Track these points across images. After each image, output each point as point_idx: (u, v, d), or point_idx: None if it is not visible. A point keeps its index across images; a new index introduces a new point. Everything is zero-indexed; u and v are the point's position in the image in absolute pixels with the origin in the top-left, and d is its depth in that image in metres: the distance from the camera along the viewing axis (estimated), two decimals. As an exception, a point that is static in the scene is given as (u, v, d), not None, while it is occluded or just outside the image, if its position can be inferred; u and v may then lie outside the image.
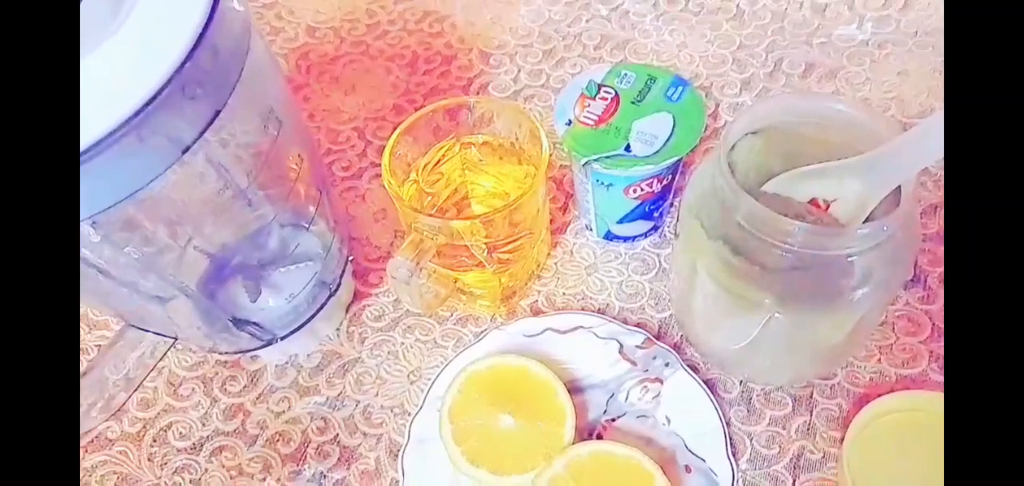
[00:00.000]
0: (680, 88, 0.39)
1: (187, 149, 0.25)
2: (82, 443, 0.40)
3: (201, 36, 0.24)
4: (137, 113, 0.23)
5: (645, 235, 0.43)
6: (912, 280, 0.40)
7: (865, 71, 0.51)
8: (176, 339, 0.37)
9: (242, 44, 0.28)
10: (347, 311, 0.43)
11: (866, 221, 0.29)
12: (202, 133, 0.26)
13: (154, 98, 0.23)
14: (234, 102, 0.27)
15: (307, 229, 0.39)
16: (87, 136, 0.22)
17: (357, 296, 0.44)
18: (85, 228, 0.27)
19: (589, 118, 0.38)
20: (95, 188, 0.24)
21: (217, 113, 0.26)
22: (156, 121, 0.24)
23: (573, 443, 0.34)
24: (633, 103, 0.38)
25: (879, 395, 0.34)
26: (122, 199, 0.25)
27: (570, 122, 0.38)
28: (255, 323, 0.38)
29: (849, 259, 0.29)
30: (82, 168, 0.23)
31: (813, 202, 0.31)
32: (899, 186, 0.29)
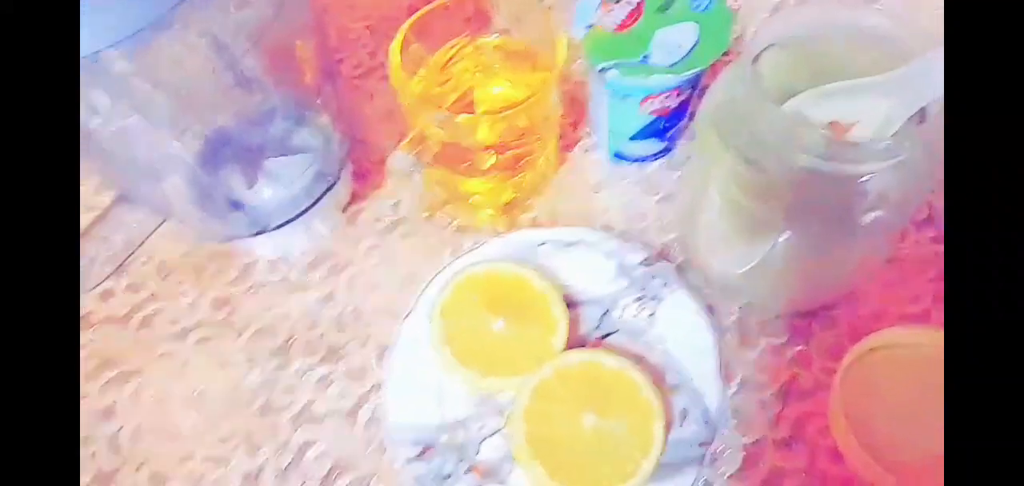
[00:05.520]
0: (708, -1, 0.37)
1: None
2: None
3: None
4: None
5: (656, 156, 0.42)
6: (925, 220, 0.38)
7: (903, 4, 0.49)
8: (164, 220, 0.36)
9: None
10: (344, 211, 0.42)
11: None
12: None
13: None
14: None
15: (308, 119, 0.38)
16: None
17: (356, 197, 0.43)
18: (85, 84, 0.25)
19: (610, 23, 0.36)
20: (95, 24, 0.23)
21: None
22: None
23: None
24: (658, 10, 0.36)
25: (878, 329, 0.33)
26: (122, 38, 0.23)
27: (590, 26, 0.36)
28: (250, 206, 0.37)
29: (862, 180, 0.28)
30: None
31: (833, 125, 0.30)
32: (925, 117, 0.28)
